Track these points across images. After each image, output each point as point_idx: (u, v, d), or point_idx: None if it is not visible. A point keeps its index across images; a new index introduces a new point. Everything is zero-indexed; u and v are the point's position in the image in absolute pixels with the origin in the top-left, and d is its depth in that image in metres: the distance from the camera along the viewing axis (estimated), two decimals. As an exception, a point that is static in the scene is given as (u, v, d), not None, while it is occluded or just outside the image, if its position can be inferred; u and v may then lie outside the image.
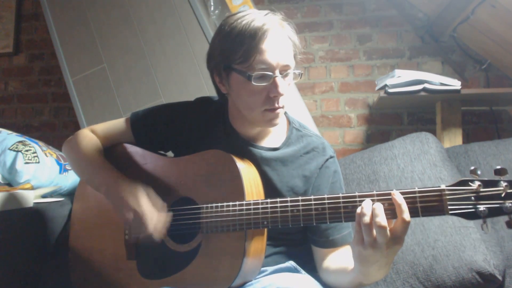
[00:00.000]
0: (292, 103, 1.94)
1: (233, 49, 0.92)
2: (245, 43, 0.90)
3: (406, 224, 0.75)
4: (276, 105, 0.94)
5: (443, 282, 1.15)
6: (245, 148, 1.04)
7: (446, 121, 1.95)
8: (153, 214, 0.94)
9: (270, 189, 1.01)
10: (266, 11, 0.96)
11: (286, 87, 0.95)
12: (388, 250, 0.76)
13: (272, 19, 0.93)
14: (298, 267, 1.00)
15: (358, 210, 0.78)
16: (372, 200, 0.78)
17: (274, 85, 0.92)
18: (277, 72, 0.92)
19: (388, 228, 0.74)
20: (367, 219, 0.76)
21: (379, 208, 0.76)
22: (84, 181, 1.15)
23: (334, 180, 1.07)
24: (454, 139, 1.93)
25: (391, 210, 0.77)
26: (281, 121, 1.10)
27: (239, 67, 0.92)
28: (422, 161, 1.39)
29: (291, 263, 1.00)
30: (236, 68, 0.93)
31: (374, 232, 0.75)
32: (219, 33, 0.97)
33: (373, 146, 1.58)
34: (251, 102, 0.95)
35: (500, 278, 1.13)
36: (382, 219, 0.74)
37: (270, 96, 0.93)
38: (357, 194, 0.81)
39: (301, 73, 0.97)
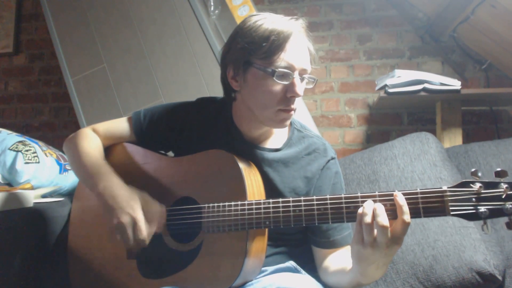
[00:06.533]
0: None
1: (258, 44, 0.92)
2: (270, 40, 0.91)
3: (406, 225, 0.75)
4: (292, 106, 0.95)
5: (443, 282, 1.15)
6: (246, 149, 1.04)
7: (446, 121, 1.95)
8: (145, 222, 0.93)
9: (272, 190, 1.01)
10: (290, 17, 0.97)
11: (301, 88, 0.95)
12: (387, 250, 0.76)
13: (296, 24, 0.95)
14: (298, 267, 1.00)
15: (360, 210, 0.78)
16: (374, 201, 0.79)
17: (293, 85, 0.93)
18: (296, 74, 0.93)
19: (389, 228, 0.75)
20: (368, 218, 0.76)
21: (381, 208, 0.76)
22: (80, 181, 1.15)
23: (335, 181, 1.07)
24: (454, 139, 1.93)
25: (392, 211, 0.78)
26: None
27: (261, 63, 0.93)
28: (422, 161, 1.39)
29: (291, 263, 1.00)
30: (256, 63, 0.93)
31: (375, 231, 0.76)
32: (242, 28, 0.97)
33: (373, 146, 1.58)
34: (267, 100, 0.95)
35: (500, 278, 1.13)
36: (383, 219, 0.75)
37: (287, 96, 0.94)
38: (359, 194, 0.82)
39: (316, 80, 0.99)
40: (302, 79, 0.95)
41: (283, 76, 0.92)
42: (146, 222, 0.93)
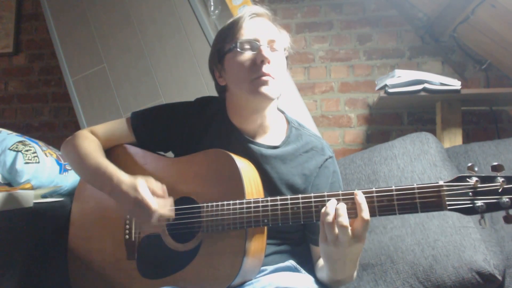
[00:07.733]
0: (292, 103, 1.94)
1: (223, 36, 1.04)
2: (231, 27, 1.02)
3: (365, 222, 0.78)
4: (263, 71, 0.97)
5: (443, 282, 1.15)
6: (245, 145, 1.04)
7: (446, 121, 1.95)
8: (154, 200, 0.93)
9: (269, 186, 1.01)
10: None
11: (272, 55, 0.99)
12: (350, 248, 0.80)
13: (255, 8, 1.05)
14: (298, 267, 1.01)
15: (323, 209, 0.81)
16: (337, 200, 0.82)
17: (259, 51, 0.97)
18: (263, 42, 0.99)
19: (349, 228, 0.78)
20: (330, 218, 0.79)
21: (342, 208, 0.79)
22: (85, 181, 1.15)
23: (333, 180, 1.07)
24: (454, 139, 1.93)
25: (355, 210, 0.80)
26: (280, 121, 1.10)
27: (228, 46, 1.02)
28: (422, 161, 1.39)
29: (291, 263, 1.01)
30: (226, 48, 1.02)
31: (336, 230, 0.79)
32: (217, 34, 1.09)
33: (373, 146, 1.58)
34: (239, 73, 0.99)
35: (500, 278, 1.13)
36: (343, 219, 0.78)
37: (257, 63, 0.97)
38: (356, 191, 0.82)
39: (289, 48, 1.06)
40: (274, 49, 1.00)
41: (248, 44, 0.99)
42: (153, 202, 0.92)
